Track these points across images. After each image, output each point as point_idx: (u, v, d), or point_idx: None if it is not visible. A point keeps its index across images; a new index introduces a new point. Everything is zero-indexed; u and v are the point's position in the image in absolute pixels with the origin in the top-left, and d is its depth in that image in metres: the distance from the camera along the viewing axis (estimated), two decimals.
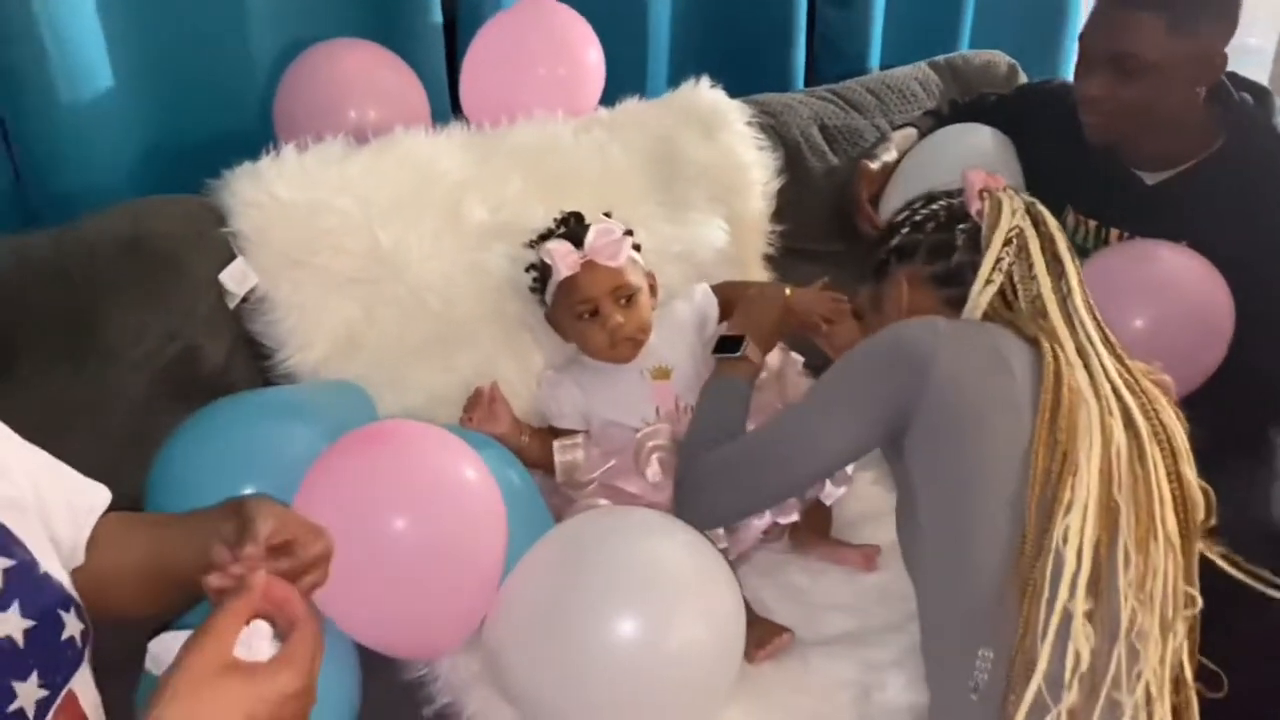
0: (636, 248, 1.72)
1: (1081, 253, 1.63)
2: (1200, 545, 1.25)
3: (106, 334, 1.52)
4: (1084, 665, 1.12)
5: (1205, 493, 1.25)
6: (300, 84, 1.83)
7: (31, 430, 0.97)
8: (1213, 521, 1.25)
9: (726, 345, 1.62)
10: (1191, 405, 1.34)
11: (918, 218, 1.44)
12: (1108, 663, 1.14)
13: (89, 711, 0.89)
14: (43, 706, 0.83)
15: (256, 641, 0.81)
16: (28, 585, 0.85)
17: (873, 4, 2.54)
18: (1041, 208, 1.37)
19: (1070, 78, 1.96)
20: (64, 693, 0.85)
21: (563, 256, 1.64)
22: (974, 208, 1.38)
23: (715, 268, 1.95)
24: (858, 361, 1.33)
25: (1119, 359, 1.29)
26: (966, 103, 2.29)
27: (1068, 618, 1.13)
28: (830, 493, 1.67)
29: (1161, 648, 1.17)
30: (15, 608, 0.82)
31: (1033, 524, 1.17)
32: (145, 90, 1.82)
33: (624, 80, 2.06)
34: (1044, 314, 1.30)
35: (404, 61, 1.90)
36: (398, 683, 1.41)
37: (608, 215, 1.73)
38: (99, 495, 1.02)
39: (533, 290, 1.74)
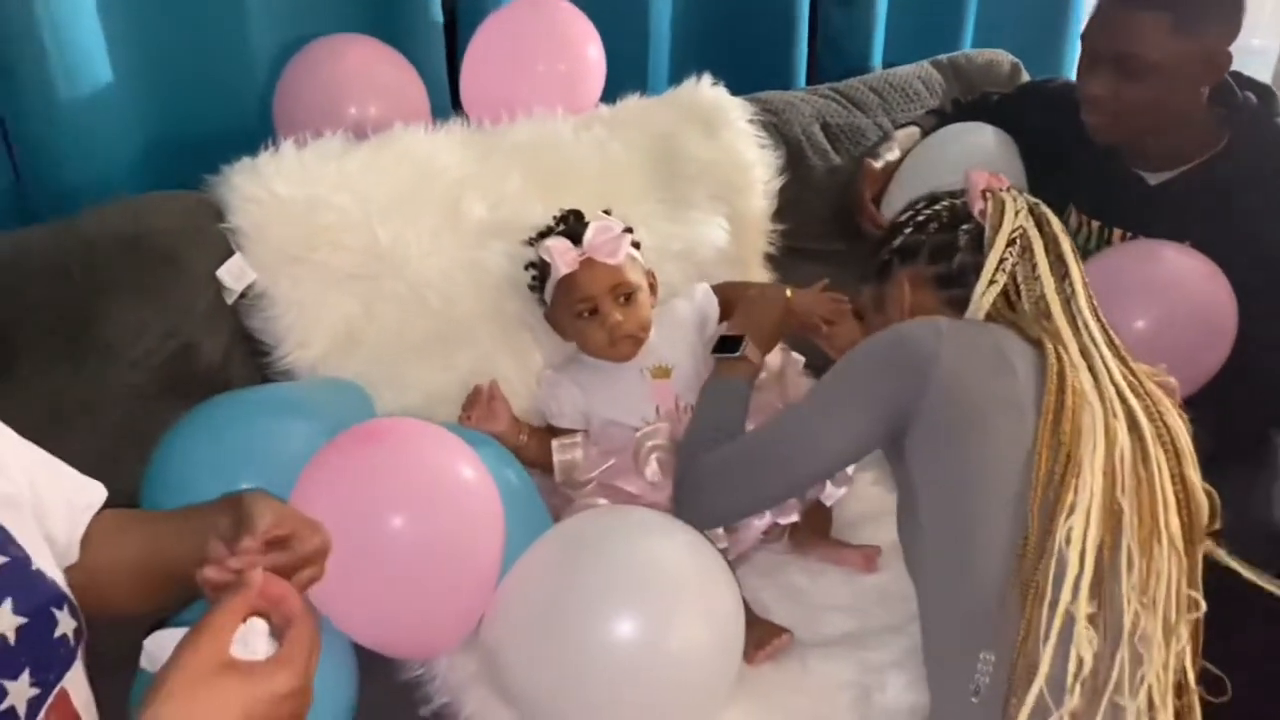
0: (636, 245, 1.72)
1: (1084, 253, 1.64)
2: (1206, 548, 1.24)
3: (105, 330, 1.51)
4: (1086, 669, 1.12)
5: (1209, 495, 1.24)
6: (300, 80, 1.82)
7: (29, 426, 0.97)
8: (1217, 524, 1.25)
9: (726, 345, 1.62)
10: (1194, 406, 1.34)
11: (920, 218, 1.43)
12: (1110, 666, 1.14)
13: (81, 710, 0.88)
14: (34, 705, 0.82)
15: (253, 640, 0.80)
16: (20, 582, 0.84)
17: (875, 2, 2.54)
18: (1045, 208, 1.37)
19: (1073, 77, 1.95)
20: (56, 691, 0.85)
21: (562, 254, 1.63)
22: (977, 208, 1.37)
23: (716, 266, 1.95)
24: (859, 361, 1.32)
25: (1123, 361, 1.29)
26: (969, 101, 2.29)
27: (1070, 621, 1.13)
28: (830, 493, 1.67)
29: (1164, 651, 1.16)
30: (8, 605, 0.82)
31: (1035, 526, 1.16)
32: (145, 86, 1.81)
33: (625, 77, 2.06)
34: (1047, 315, 1.29)
35: (404, 57, 1.89)
36: (395, 682, 1.41)
37: (607, 213, 1.72)
38: (95, 492, 1.02)
39: (532, 288, 1.73)
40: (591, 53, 1.94)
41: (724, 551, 1.51)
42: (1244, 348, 1.71)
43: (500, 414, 1.63)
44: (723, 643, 1.28)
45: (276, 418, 1.41)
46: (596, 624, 1.22)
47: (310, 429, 1.35)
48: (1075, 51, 1.84)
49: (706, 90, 2.04)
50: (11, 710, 0.80)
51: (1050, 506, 1.16)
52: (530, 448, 1.64)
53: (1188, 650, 1.20)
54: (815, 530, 1.68)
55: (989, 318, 1.32)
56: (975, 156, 2.03)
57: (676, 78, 2.10)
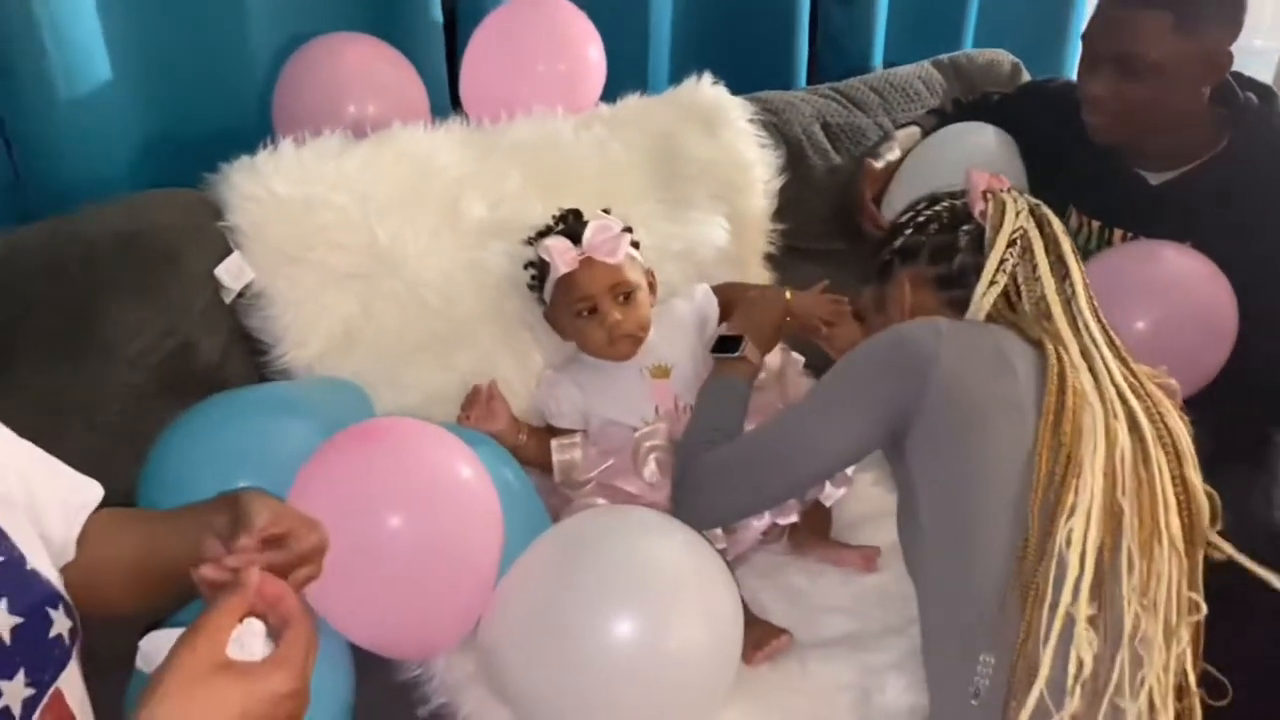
0: (635, 245, 1.71)
1: (1085, 253, 1.64)
2: (1207, 549, 1.24)
3: (103, 328, 1.51)
4: (1086, 671, 1.12)
5: (1210, 497, 1.24)
6: (299, 78, 1.81)
7: (26, 424, 0.97)
8: (1218, 526, 1.24)
9: (725, 345, 1.61)
10: (1194, 407, 1.34)
11: (921, 219, 1.43)
12: (1111, 669, 1.13)
13: (76, 710, 0.88)
14: (29, 705, 0.82)
15: (250, 640, 0.80)
16: (15, 582, 0.84)
17: (876, 1, 2.53)
18: (1046, 209, 1.36)
19: (1074, 77, 1.95)
20: (51, 691, 0.84)
21: (561, 253, 1.63)
22: (977, 209, 1.37)
23: (716, 266, 1.94)
24: (859, 362, 1.32)
25: (1124, 362, 1.29)
26: (970, 101, 2.29)
27: (1070, 623, 1.12)
28: (830, 494, 1.67)
29: (1165, 654, 1.16)
30: (3, 605, 0.81)
31: (1035, 527, 1.16)
32: (144, 84, 1.80)
33: (625, 76, 2.05)
34: (1048, 316, 1.29)
35: (404, 56, 1.88)
36: (392, 683, 1.40)
37: (606, 212, 1.72)
38: (91, 491, 1.02)
39: (531, 288, 1.73)
40: (591, 52, 1.93)
41: (723, 552, 1.51)
42: (1244, 348, 1.70)
43: (499, 414, 1.63)
44: (721, 643, 1.28)
45: (274, 417, 1.40)
46: (595, 624, 1.21)
47: (308, 428, 1.34)
48: (1076, 51, 1.84)
49: (707, 90, 2.04)
50: (6, 710, 0.79)
51: (1050, 508, 1.16)
52: (529, 448, 1.64)
53: (1188, 652, 1.20)
54: (814, 531, 1.67)
55: (989, 318, 1.31)
56: (976, 156, 2.03)
57: (677, 77, 2.09)
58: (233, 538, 0.87)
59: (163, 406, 1.47)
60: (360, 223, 1.64)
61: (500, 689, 1.31)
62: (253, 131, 1.71)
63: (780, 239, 2.09)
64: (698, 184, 1.97)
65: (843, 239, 2.17)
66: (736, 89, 2.09)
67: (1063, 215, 1.42)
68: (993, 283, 1.31)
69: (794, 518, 1.60)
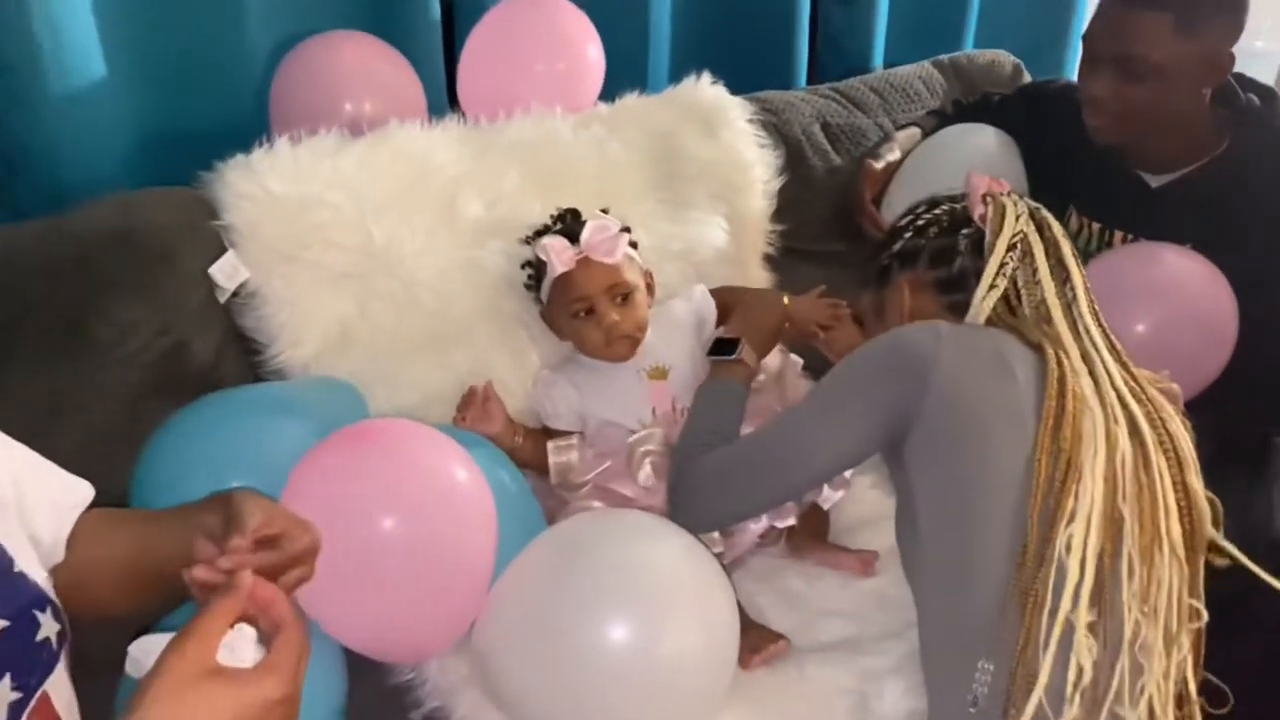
0: (634, 245, 1.70)
1: (1085, 255, 1.63)
2: (1207, 555, 1.23)
3: (96, 327, 1.50)
4: (1086, 678, 1.11)
5: (1212, 503, 1.23)
6: (296, 76, 1.81)
7: (19, 424, 0.96)
8: (1220, 533, 1.24)
9: (722, 347, 1.60)
10: (1194, 410, 1.34)
11: (920, 222, 1.43)
12: (1110, 676, 1.13)
13: (64, 714, 0.88)
14: (15, 709, 0.81)
15: (241, 646, 0.79)
16: (2, 584, 0.84)
17: (877, 2, 2.53)
18: (1046, 213, 1.36)
19: (1075, 78, 1.94)
20: (38, 695, 0.84)
21: (558, 252, 1.62)
22: (977, 212, 1.36)
23: (715, 267, 1.94)
24: (858, 365, 1.31)
25: (1124, 366, 1.28)
26: (970, 102, 2.29)
27: (1070, 629, 1.12)
28: (828, 496, 1.66)
29: (1165, 661, 1.15)
30: None
31: (1035, 533, 1.15)
32: (139, 82, 1.79)
33: (624, 75, 2.04)
34: (1048, 320, 1.28)
35: (401, 54, 1.88)
36: (385, 686, 1.40)
37: (605, 212, 1.71)
38: (82, 491, 1.01)
39: (528, 287, 1.72)
40: (590, 51, 1.93)
41: (720, 555, 1.50)
42: (1245, 351, 1.70)
43: (495, 415, 1.62)
44: (717, 648, 1.27)
45: (268, 417, 1.39)
46: (589, 628, 1.21)
47: (302, 429, 1.33)
48: (1077, 52, 1.83)
49: (706, 89, 2.03)
50: None
51: (1050, 513, 1.15)
52: (525, 449, 1.63)
53: (1189, 660, 1.19)
54: (812, 534, 1.67)
55: (989, 322, 1.31)
56: (976, 158, 2.03)
57: (676, 76, 2.09)
58: (225, 538, 0.86)
59: (156, 406, 1.46)
60: (356, 222, 1.63)
61: (494, 693, 1.31)
62: (249, 129, 1.70)
63: (779, 240, 2.09)
64: (697, 184, 1.96)
65: (842, 240, 2.17)
66: (736, 89, 2.08)
67: (1063, 217, 1.42)
68: (992, 286, 1.31)
69: (791, 521, 1.59)
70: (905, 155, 2.19)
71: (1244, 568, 1.22)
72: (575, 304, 1.64)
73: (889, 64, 2.56)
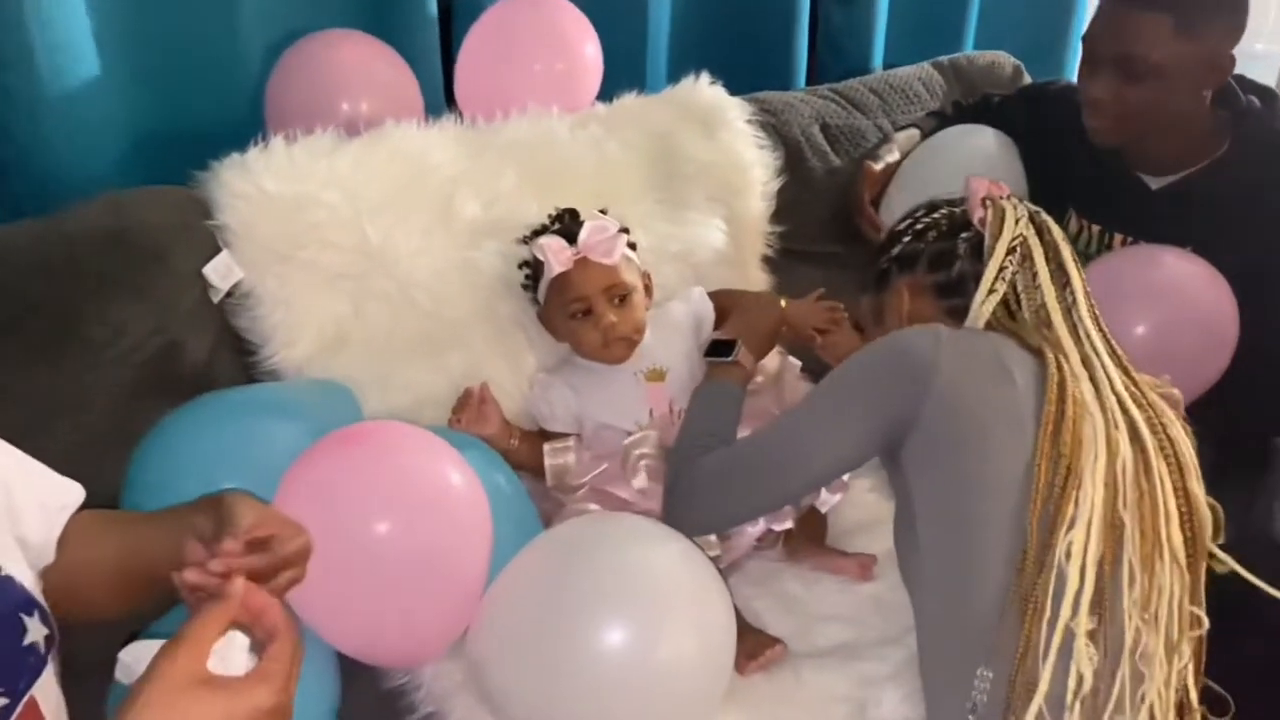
0: (632, 246, 1.70)
1: (1084, 257, 1.63)
2: (1208, 562, 1.22)
3: (89, 327, 1.49)
4: (1086, 687, 1.11)
5: (1213, 509, 1.23)
6: (293, 75, 1.80)
7: (11, 424, 0.96)
8: (1220, 539, 1.23)
9: (719, 349, 1.59)
10: (1194, 414, 1.33)
11: (919, 226, 1.42)
12: (1111, 684, 1.12)
13: (51, 719, 0.86)
14: (3, 714, 0.81)
15: (232, 654, 0.79)
16: None
17: (876, 2, 2.52)
18: (1045, 216, 1.35)
19: (1075, 79, 1.94)
20: (25, 700, 0.83)
21: (556, 253, 1.61)
22: (977, 216, 1.36)
23: (713, 268, 1.93)
24: (857, 368, 1.30)
25: (1125, 371, 1.27)
26: (970, 104, 2.29)
27: (1070, 637, 1.11)
28: (826, 500, 1.65)
29: (1166, 669, 1.15)
30: None
31: (1034, 539, 1.14)
32: (134, 81, 1.78)
33: (622, 75, 2.04)
34: (1048, 324, 1.28)
35: (398, 53, 1.87)
36: (379, 691, 1.39)
37: (603, 212, 1.70)
38: (72, 492, 1.01)
39: (525, 288, 1.71)
40: (588, 51, 1.92)
41: (716, 559, 1.50)
42: (1245, 354, 1.69)
43: (491, 417, 1.61)
44: (713, 653, 1.26)
45: (261, 418, 1.38)
46: (585, 633, 1.20)
47: (296, 430, 1.32)
48: (1078, 53, 1.83)
49: (705, 89, 2.02)
50: None
51: (1050, 519, 1.15)
52: (521, 451, 1.62)
53: (1190, 668, 1.19)
54: (810, 538, 1.66)
55: (989, 326, 1.30)
56: (975, 159, 2.03)
57: (675, 76, 2.08)
58: (216, 540, 0.86)
59: (149, 407, 1.45)
60: (352, 221, 1.62)
61: (488, 698, 1.30)
62: (244, 128, 1.69)
63: (778, 241, 2.08)
64: (695, 185, 1.96)
65: (841, 242, 2.16)
66: (735, 89, 2.08)
67: (1062, 219, 1.41)
68: (992, 290, 1.30)
69: (789, 524, 1.58)
70: (904, 156, 2.18)
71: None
72: (573, 304, 1.63)
73: (889, 65, 2.55)
